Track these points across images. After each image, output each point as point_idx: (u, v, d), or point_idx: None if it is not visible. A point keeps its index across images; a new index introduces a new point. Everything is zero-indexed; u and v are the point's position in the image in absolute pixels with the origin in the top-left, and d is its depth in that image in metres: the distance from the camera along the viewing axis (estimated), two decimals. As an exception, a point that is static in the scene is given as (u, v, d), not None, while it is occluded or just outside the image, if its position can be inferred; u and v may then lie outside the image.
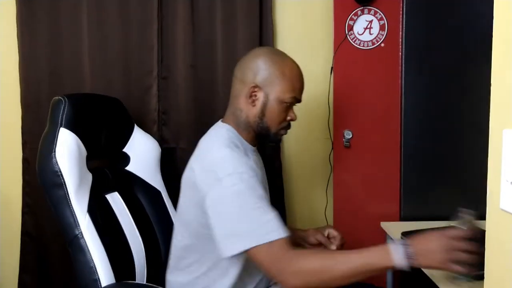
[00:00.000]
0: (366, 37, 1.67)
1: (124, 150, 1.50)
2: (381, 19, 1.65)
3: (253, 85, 1.18)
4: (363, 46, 1.68)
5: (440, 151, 1.65)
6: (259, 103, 1.19)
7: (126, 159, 1.50)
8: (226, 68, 1.77)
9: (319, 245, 1.36)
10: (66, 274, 1.76)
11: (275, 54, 1.23)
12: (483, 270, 0.69)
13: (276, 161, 1.82)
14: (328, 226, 1.41)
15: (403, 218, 1.65)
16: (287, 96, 1.19)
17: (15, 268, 1.82)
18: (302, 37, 1.85)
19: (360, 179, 1.72)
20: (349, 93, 1.70)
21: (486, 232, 0.68)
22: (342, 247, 1.31)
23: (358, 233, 1.70)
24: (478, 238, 0.84)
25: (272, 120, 1.21)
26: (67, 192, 1.20)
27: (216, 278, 1.17)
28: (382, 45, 1.66)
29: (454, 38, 1.61)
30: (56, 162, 1.19)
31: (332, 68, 1.70)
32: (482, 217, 0.68)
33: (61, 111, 1.25)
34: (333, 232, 1.34)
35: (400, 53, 1.63)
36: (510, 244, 0.61)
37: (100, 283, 1.18)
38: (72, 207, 1.20)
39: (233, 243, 1.02)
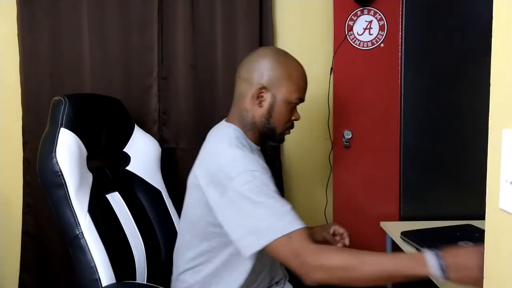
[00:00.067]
0: (366, 37, 1.67)
1: (125, 150, 1.50)
2: (380, 19, 1.66)
3: (260, 86, 1.18)
4: (363, 46, 1.68)
5: (439, 151, 1.65)
6: (266, 104, 1.20)
7: (126, 159, 1.50)
8: (226, 68, 1.77)
9: (325, 242, 1.36)
10: (66, 274, 1.76)
11: (281, 55, 1.23)
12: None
13: (276, 161, 1.82)
14: (333, 223, 1.40)
15: (402, 218, 1.66)
16: (294, 97, 1.20)
17: (15, 268, 1.83)
18: (302, 37, 1.86)
19: (360, 179, 1.72)
20: (349, 93, 1.70)
21: (485, 232, 0.68)
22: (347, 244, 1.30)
23: (357, 233, 1.70)
24: None
25: (278, 120, 1.21)
26: (68, 192, 1.20)
27: (226, 277, 1.17)
28: (382, 45, 1.66)
29: (453, 38, 1.61)
30: (57, 162, 1.19)
31: (332, 68, 1.70)
32: (482, 217, 0.68)
33: (62, 111, 1.25)
34: (338, 229, 1.35)
35: (400, 53, 1.63)
36: (509, 244, 0.61)
37: (100, 283, 1.18)
38: (72, 207, 1.20)
39: (254, 240, 1.01)
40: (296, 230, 0.99)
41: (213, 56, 1.78)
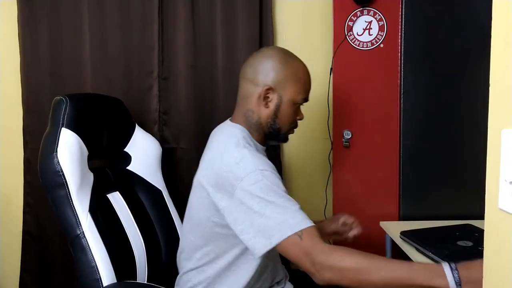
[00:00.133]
0: (366, 37, 1.67)
1: (125, 149, 1.51)
2: (380, 20, 1.66)
3: (266, 87, 1.18)
4: (363, 46, 1.68)
5: (439, 151, 1.65)
6: (272, 105, 1.20)
7: (127, 158, 1.51)
8: (227, 68, 1.77)
9: (336, 235, 1.37)
10: (67, 274, 1.76)
11: (287, 55, 1.23)
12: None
13: (276, 161, 1.82)
14: (341, 214, 1.39)
15: (402, 218, 1.66)
16: (299, 97, 1.21)
17: (16, 268, 1.83)
18: (301, 37, 1.86)
19: (360, 179, 1.72)
20: (349, 94, 1.71)
21: (484, 232, 0.68)
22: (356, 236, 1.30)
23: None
24: None
25: (284, 121, 1.22)
26: (69, 192, 1.20)
27: (230, 277, 1.17)
28: (381, 45, 1.66)
29: (453, 39, 1.61)
30: (58, 162, 1.19)
31: (331, 68, 1.71)
32: (481, 216, 0.69)
33: (63, 111, 1.25)
34: (347, 219, 1.34)
35: (399, 54, 1.63)
36: (508, 244, 0.62)
37: (101, 282, 1.19)
38: (73, 207, 1.20)
39: (265, 239, 1.01)
40: (306, 228, 1.00)
41: (213, 57, 1.78)
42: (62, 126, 1.24)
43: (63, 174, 1.19)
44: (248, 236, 1.03)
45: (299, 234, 0.99)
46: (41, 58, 1.76)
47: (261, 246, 1.01)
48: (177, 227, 1.51)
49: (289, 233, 0.99)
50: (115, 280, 1.21)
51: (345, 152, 1.72)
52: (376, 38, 1.67)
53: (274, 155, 1.81)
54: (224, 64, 1.78)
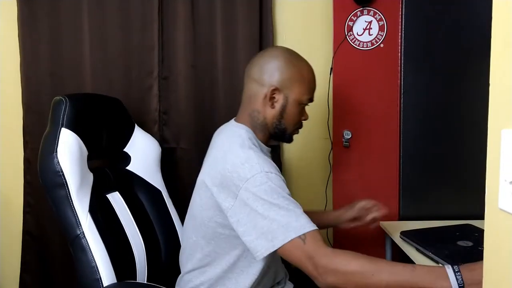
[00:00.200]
0: (366, 37, 1.67)
1: (125, 149, 1.51)
2: (380, 19, 1.66)
3: (273, 87, 1.18)
4: (363, 46, 1.68)
5: (439, 151, 1.65)
6: (278, 105, 1.20)
7: (126, 158, 1.51)
8: (227, 68, 1.77)
9: (355, 220, 1.38)
10: (67, 274, 1.76)
11: (293, 56, 1.23)
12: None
13: (276, 161, 1.82)
14: (360, 201, 1.41)
15: (402, 218, 1.66)
16: (305, 98, 1.21)
17: (16, 268, 1.83)
18: (301, 37, 1.86)
19: (360, 179, 1.72)
20: (349, 94, 1.71)
21: (484, 232, 0.68)
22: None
23: (357, 233, 1.70)
24: None
25: (289, 121, 1.22)
26: (69, 192, 1.20)
27: (232, 279, 1.17)
28: (382, 45, 1.66)
29: (453, 39, 1.61)
30: (58, 162, 1.19)
31: (331, 68, 1.71)
32: (481, 216, 0.69)
33: (62, 111, 1.25)
34: (367, 204, 1.36)
35: (399, 54, 1.63)
36: (509, 244, 0.62)
37: (101, 282, 1.19)
38: (73, 207, 1.20)
39: (267, 242, 1.00)
40: (309, 232, 0.99)
41: (213, 57, 1.78)
42: (62, 126, 1.24)
43: (63, 174, 1.19)
44: (251, 238, 1.03)
45: (303, 238, 0.98)
46: (41, 58, 1.76)
47: (263, 248, 1.01)
48: (176, 227, 1.51)
49: (293, 236, 0.98)
50: (115, 280, 1.21)
51: (345, 152, 1.72)
52: (376, 38, 1.67)
53: (274, 155, 1.81)
54: (224, 64, 1.78)
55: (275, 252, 1.01)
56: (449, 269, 0.91)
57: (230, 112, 1.72)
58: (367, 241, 1.67)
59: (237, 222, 1.05)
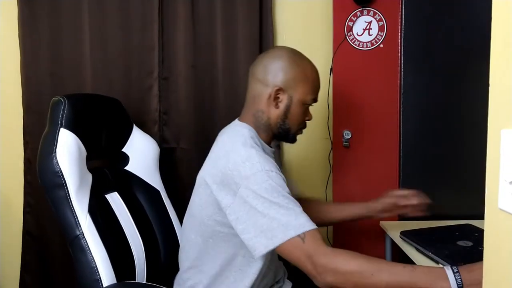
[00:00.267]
0: (365, 38, 1.67)
1: (123, 150, 1.50)
2: (380, 20, 1.66)
3: (276, 87, 1.18)
4: (362, 47, 1.68)
5: (439, 151, 1.65)
6: (282, 105, 1.20)
7: (125, 159, 1.50)
8: (227, 68, 1.77)
9: (386, 211, 1.37)
10: (67, 274, 1.76)
11: (296, 56, 1.23)
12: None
13: (276, 162, 1.82)
14: (392, 190, 1.41)
15: (402, 218, 1.66)
16: (309, 98, 1.22)
17: (16, 268, 1.83)
18: (301, 37, 1.86)
19: (359, 179, 1.72)
20: (349, 94, 1.71)
21: (484, 232, 0.68)
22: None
23: (357, 233, 1.71)
24: None
25: (293, 121, 1.22)
26: (68, 193, 1.20)
27: (230, 278, 1.17)
28: (381, 46, 1.66)
29: (453, 39, 1.61)
30: (57, 162, 1.19)
31: (331, 68, 1.71)
32: (481, 216, 0.69)
33: (61, 112, 1.25)
34: (402, 193, 1.35)
35: (399, 54, 1.63)
36: (509, 244, 0.62)
37: (101, 283, 1.18)
38: (73, 207, 1.20)
39: (266, 240, 1.00)
40: (309, 231, 0.99)
41: (213, 57, 1.78)
42: (61, 127, 1.23)
43: (62, 175, 1.19)
44: (249, 236, 1.03)
45: (302, 237, 0.98)
46: (41, 58, 1.76)
47: (261, 246, 1.01)
48: (175, 227, 1.51)
49: (292, 234, 0.98)
50: (115, 281, 1.21)
51: (345, 152, 1.72)
52: (376, 38, 1.67)
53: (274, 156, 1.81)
54: (224, 64, 1.78)
55: (274, 251, 1.01)
56: (448, 270, 0.91)
57: (230, 112, 1.72)
58: (367, 241, 1.68)
59: (236, 220, 1.05)
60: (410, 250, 1.30)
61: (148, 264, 1.38)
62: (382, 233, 1.59)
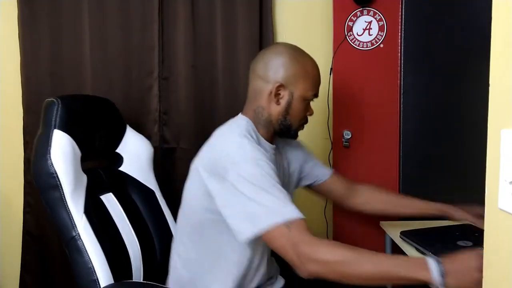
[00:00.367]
0: (365, 38, 1.67)
1: (117, 150, 1.50)
2: (380, 20, 1.66)
3: (277, 84, 1.18)
4: (362, 47, 1.68)
5: (439, 151, 1.65)
6: (283, 102, 1.20)
7: (119, 159, 1.50)
8: (227, 68, 1.77)
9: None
10: (67, 274, 1.75)
11: (297, 52, 1.23)
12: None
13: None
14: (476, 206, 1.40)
15: (402, 218, 1.66)
16: (310, 94, 1.22)
17: (16, 268, 1.83)
18: (301, 37, 1.86)
19: (359, 179, 1.71)
20: (349, 94, 1.71)
21: (484, 232, 0.68)
22: None
23: (357, 233, 1.71)
24: None
25: (295, 117, 1.22)
26: (63, 194, 1.19)
27: (218, 267, 1.17)
28: (381, 45, 1.66)
29: (453, 39, 1.61)
30: (52, 163, 1.18)
31: (331, 68, 1.71)
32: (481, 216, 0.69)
33: (54, 113, 1.24)
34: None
35: (399, 54, 1.63)
36: (509, 244, 0.62)
37: (98, 283, 1.18)
38: (68, 208, 1.19)
39: (252, 225, 1.00)
40: (296, 220, 0.99)
41: (213, 57, 1.78)
42: (55, 128, 1.23)
43: (57, 176, 1.18)
44: (236, 221, 1.03)
45: (288, 225, 0.98)
46: (41, 58, 1.76)
47: (247, 231, 1.01)
48: (170, 226, 1.51)
49: (278, 221, 0.98)
50: (112, 281, 1.21)
51: (345, 152, 1.72)
52: (376, 38, 1.67)
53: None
54: (224, 64, 1.78)
55: (263, 242, 1.01)
56: (430, 260, 0.93)
57: (230, 112, 1.72)
58: (367, 241, 1.67)
59: (223, 205, 1.06)
60: (410, 250, 1.30)
61: (144, 263, 1.38)
62: (382, 233, 1.59)
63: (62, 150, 1.21)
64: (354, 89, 1.70)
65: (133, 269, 1.33)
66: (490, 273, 0.68)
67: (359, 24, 1.67)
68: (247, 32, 1.76)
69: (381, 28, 1.66)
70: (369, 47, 1.68)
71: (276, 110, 1.21)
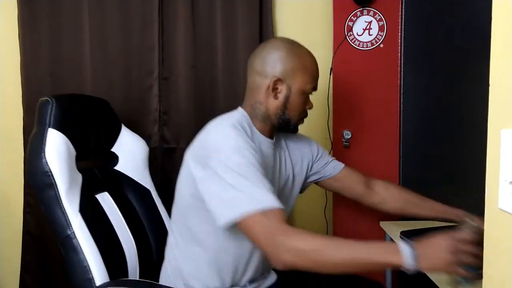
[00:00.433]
0: (365, 38, 1.67)
1: (113, 150, 1.50)
2: (380, 20, 1.66)
3: (275, 78, 1.18)
4: (362, 47, 1.68)
5: (439, 151, 1.65)
6: (281, 96, 1.20)
7: (114, 158, 1.50)
8: (227, 68, 1.78)
9: None
10: (67, 274, 1.76)
11: (294, 46, 1.24)
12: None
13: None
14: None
15: (402, 218, 1.66)
16: (308, 87, 1.22)
17: (16, 267, 1.83)
18: (301, 37, 1.83)
19: (360, 179, 1.72)
20: (349, 94, 1.71)
21: (484, 232, 0.68)
22: None
23: (357, 233, 1.70)
24: (483, 243, 0.83)
25: (293, 111, 1.22)
26: (58, 193, 1.19)
27: (199, 256, 1.18)
28: (381, 45, 1.66)
29: (453, 39, 1.61)
30: (46, 162, 1.19)
31: (331, 68, 1.71)
32: (481, 216, 0.69)
33: (49, 112, 1.24)
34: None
35: (399, 54, 1.63)
36: (508, 243, 0.62)
37: (94, 282, 1.18)
38: (63, 207, 1.20)
39: (230, 211, 1.01)
40: (274, 209, 1.00)
41: (213, 57, 1.78)
42: (49, 127, 1.23)
43: (51, 175, 1.19)
44: (215, 207, 1.04)
45: (266, 214, 0.99)
46: (41, 58, 1.76)
47: (224, 216, 1.02)
48: (166, 225, 1.51)
49: (256, 208, 0.99)
50: (107, 279, 1.21)
51: (345, 152, 1.72)
52: (376, 38, 1.67)
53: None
54: (224, 64, 1.78)
55: (238, 225, 1.01)
56: (403, 244, 0.94)
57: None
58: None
59: (205, 191, 1.07)
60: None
61: (140, 261, 1.38)
62: (382, 233, 1.59)
63: (57, 148, 1.21)
64: (354, 89, 1.70)
65: (128, 268, 1.34)
66: (490, 273, 0.68)
67: (359, 24, 1.67)
68: (247, 32, 1.77)
69: (381, 28, 1.66)
70: (369, 47, 1.68)
71: (274, 104, 1.21)
